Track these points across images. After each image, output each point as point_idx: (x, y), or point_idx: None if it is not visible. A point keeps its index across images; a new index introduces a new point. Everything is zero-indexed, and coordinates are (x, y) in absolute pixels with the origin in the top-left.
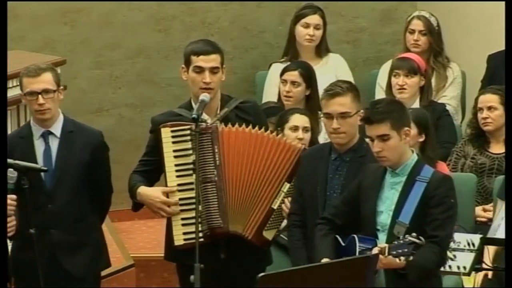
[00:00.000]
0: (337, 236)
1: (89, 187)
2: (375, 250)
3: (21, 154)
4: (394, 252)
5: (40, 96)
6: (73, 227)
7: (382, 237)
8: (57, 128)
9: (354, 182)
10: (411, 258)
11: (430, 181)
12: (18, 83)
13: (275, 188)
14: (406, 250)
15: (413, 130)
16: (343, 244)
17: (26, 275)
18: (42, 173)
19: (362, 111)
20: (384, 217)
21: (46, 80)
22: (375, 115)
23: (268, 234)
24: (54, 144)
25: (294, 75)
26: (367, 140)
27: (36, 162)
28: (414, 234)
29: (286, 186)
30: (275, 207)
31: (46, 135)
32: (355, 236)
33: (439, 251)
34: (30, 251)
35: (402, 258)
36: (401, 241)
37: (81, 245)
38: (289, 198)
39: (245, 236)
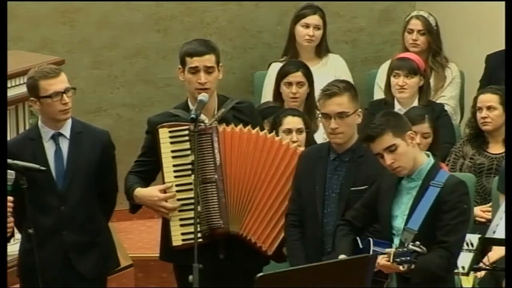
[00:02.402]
0: (357, 238)
1: (97, 187)
2: (380, 257)
3: (31, 155)
4: (398, 260)
5: (64, 95)
6: (84, 227)
7: (397, 241)
8: (66, 129)
9: (374, 185)
10: (413, 266)
11: (444, 186)
12: (16, 84)
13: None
14: (408, 258)
15: (432, 137)
16: (361, 246)
17: (32, 277)
18: (54, 175)
19: (360, 110)
20: (399, 222)
21: (65, 80)
22: (374, 130)
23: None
24: (64, 145)
25: (298, 76)
26: (377, 157)
27: (47, 164)
28: (417, 242)
29: None
30: None
31: (56, 137)
32: (370, 239)
33: (446, 256)
34: (38, 252)
35: (406, 265)
36: (405, 249)
37: (92, 245)
38: None
39: (262, 249)
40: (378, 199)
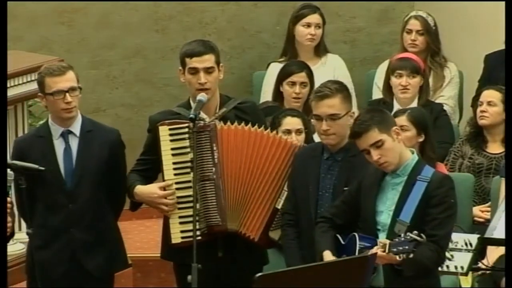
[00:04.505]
0: (338, 235)
1: (106, 186)
2: (375, 249)
3: (40, 153)
4: (395, 250)
5: (67, 94)
6: (92, 226)
7: (382, 236)
8: (76, 127)
9: (354, 182)
10: (411, 256)
11: (431, 181)
12: (15, 84)
13: (278, 187)
14: (406, 247)
15: (412, 131)
16: (343, 242)
17: (39, 275)
18: (63, 173)
19: (352, 111)
20: (384, 217)
21: (71, 78)
22: (359, 126)
23: (274, 234)
24: (74, 143)
25: (302, 76)
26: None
27: (56, 162)
28: (415, 231)
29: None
30: (279, 207)
31: (65, 135)
32: (355, 234)
33: (436, 249)
34: (46, 250)
35: (403, 255)
36: (402, 238)
37: (100, 244)
38: None
39: (247, 236)
40: (361, 196)
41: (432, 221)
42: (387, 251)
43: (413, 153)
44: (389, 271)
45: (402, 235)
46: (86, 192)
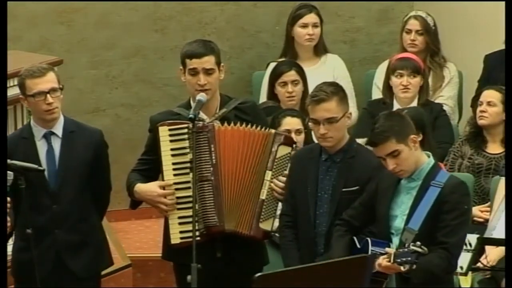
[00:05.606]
0: (354, 238)
1: (91, 186)
2: (381, 258)
3: (24, 154)
4: (399, 260)
5: (48, 95)
6: (76, 227)
7: (395, 241)
8: (58, 128)
9: (372, 184)
10: (414, 267)
11: (445, 186)
12: (16, 83)
13: (261, 178)
14: (409, 258)
15: None
16: (359, 246)
17: (26, 276)
18: (46, 174)
19: (349, 112)
20: (398, 222)
21: (51, 79)
22: (377, 136)
23: (266, 225)
24: (56, 144)
25: (292, 74)
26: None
27: (39, 163)
28: (418, 243)
29: (269, 174)
30: (263, 198)
31: (48, 136)
32: (368, 239)
33: (446, 257)
34: (30, 251)
35: (407, 266)
36: (406, 249)
37: (84, 244)
38: (275, 181)
39: (242, 233)
40: (377, 199)
41: (444, 227)
42: (392, 261)
43: (429, 156)
44: (399, 278)
45: (406, 245)
46: (70, 193)
